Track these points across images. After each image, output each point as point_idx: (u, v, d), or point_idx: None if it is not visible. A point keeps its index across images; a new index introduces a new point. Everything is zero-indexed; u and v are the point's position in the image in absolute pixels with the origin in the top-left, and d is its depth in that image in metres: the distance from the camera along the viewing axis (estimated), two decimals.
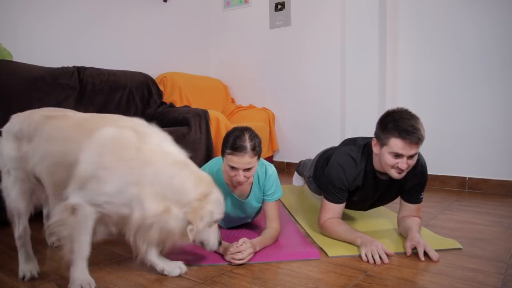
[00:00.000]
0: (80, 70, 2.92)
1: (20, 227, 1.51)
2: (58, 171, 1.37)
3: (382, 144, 1.68)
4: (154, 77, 3.66)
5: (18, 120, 1.52)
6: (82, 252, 1.34)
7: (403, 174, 1.70)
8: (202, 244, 1.45)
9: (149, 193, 1.32)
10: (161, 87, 3.67)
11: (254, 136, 1.67)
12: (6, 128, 1.53)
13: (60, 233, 1.34)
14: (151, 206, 1.31)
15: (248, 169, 1.65)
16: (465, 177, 3.08)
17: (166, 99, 3.69)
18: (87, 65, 3.03)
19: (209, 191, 1.41)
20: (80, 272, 1.35)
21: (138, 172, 1.31)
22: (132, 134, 1.36)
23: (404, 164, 1.64)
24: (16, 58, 2.65)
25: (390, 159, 1.66)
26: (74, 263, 1.35)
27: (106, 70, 3.10)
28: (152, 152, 1.35)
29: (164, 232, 1.35)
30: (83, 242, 1.34)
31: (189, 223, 1.34)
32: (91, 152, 1.31)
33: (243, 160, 1.61)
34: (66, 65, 2.91)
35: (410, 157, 1.64)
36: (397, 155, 1.64)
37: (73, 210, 1.30)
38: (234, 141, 1.63)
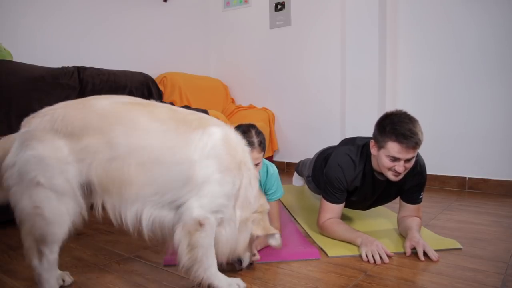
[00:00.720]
0: (80, 70, 2.92)
1: (51, 258, 1.18)
2: (157, 169, 1.18)
3: (380, 146, 1.69)
4: (154, 77, 3.65)
5: (64, 114, 1.17)
6: (215, 263, 1.28)
7: (400, 176, 1.70)
8: (240, 260, 1.45)
9: (241, 196, 1.33)
10: (161, 87, 3.67)
11: (259, 132, 1.70)
12: (41, 125, 1.16)
13: (195, 257, 1.23)
14: (238, 211, 1.33)
15: (255, 165, 1.67)
16: (465, 177, 3.08)
17: (166, 99, 3.69)
18: (87, 65, 3.03)
19: (267, 207, 1.46)
20: (224, 280, 1.29)
21: (243, 175, 1.32)
22: (235, 134, 1.34)
23: (401, 167, 1.64)
24: (16, 58, 2.65)
25: (387, 162, 1.66)
26: (214, 277, 1.27)
27: (106, 70, 3.10)
28: (248, 154, 1.38)
29: (236, 239, 1.35)
30: (213, 253, 1.27)
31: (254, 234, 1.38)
32: (206, 152, 1.22)
33: (252, 155, 1.62)
34: (66, 65, 2.91)
35: (407, 160, 1.64)
36: (394, 159, 1.64)
37: (200, 225, 1.20)
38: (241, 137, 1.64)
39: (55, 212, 1.13)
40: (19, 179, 1.13)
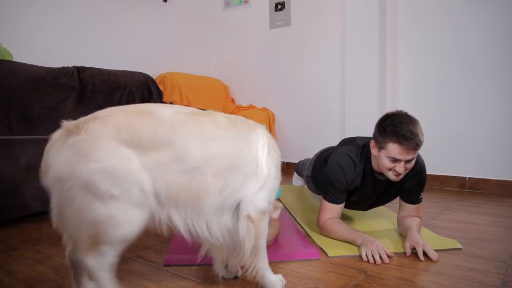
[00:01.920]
0: (80, 70, 2.92)
1: (111, 260, 1.12)
2: (231, 175, 1.21)
3: (380, 147, 1.69)
4: (154, 77, 3.66)
5: (128, 122, 1.10)
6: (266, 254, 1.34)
7: (401, 177, 1.70)
8: None
9: None
10: (161, 87, 3.67)
11: None
12: (103, 133, 1.07)
13: (257, 247, 1.28)
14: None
15: None
16: (465, 177, 3.08)
17: (166, 99, 3.69)
18: (87, 65, 3.03)
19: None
20: (273, 275, 1.35)
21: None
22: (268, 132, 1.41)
23: (401, 168, 1.64)
24: (16, 58, 2.65)
25: (387, 163, 1.67)
26: (266, 268, 1.32)
27: (106, 70, 3.10)
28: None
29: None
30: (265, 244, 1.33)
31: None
32: (266, 151, 1.29)
33: None
34: (66, 65, 2.91)
35: (408, 161, 1.65)
36: (395, 160, 1.64)
37: (263, 214, 1.27)
38: None
39: (131, 225, 1.08)
40: (84, 191, 1.04)
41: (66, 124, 1.11)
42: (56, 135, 1.11)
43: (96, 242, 1.08)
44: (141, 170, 1.08)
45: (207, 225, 1.21)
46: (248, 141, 1.27)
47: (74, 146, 1.05)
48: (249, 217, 1.24)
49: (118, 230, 1.07)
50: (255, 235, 1.25)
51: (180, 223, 1.17)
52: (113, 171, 1.05)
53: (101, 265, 1.11)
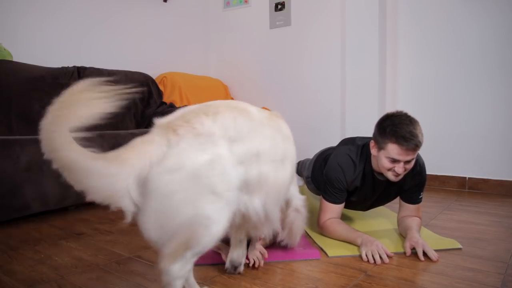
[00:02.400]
0: (80, 70, 2.92)
1: (190, 267, 1.10)
2: (292, 169, 1.40)
3: (380, 147, 1.69)
4: (154, 77, 3.66)
5: (234, 120, 1.16)
6: None
7: (400, 177, 1.70)
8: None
9: None
10: (161, 87, 3.67)
11: None
12: (217, 130, 1.10)
13: (303, 226, 1.63)
14: None
15: None
16: (465, 177, 3.08)
17: (166, 99, 3.69)
18: (87, 65, 3.04)
19: None
20: None
21: None
22: None
23: (400, 168, 1.64)
24: (16, 58, 2.65)
25: (387, 163, 1.67)
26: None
27: (106, 70, 3.10)
28: None
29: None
30: None
31: None
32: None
33: None
34: (66, 65, 2.91)
35: (407, 162, 1.65)
36: (394, 160, 1.64)
37: (305, 202, 1.61)
38: None
39: (221, 226, 1.08)
40: (189, 184, 1.02)
41: (167, 120, 1.11)
42: (155, 131, 1.09)
43: (186, 247, 1.04)
44: (233, 167, 1.12)
45: (280, 209, 1.38)
46: (291, 144, 1.43)
47: (191, 140, 1.06)
48: (296, 207, 1.56)
49: (209, 231, 1.05)
50: (303, 221, 1.60)
51: (259, 208, 1.23)
52: (220, 165, 1.07)
53: (183, 274, 1.07)
